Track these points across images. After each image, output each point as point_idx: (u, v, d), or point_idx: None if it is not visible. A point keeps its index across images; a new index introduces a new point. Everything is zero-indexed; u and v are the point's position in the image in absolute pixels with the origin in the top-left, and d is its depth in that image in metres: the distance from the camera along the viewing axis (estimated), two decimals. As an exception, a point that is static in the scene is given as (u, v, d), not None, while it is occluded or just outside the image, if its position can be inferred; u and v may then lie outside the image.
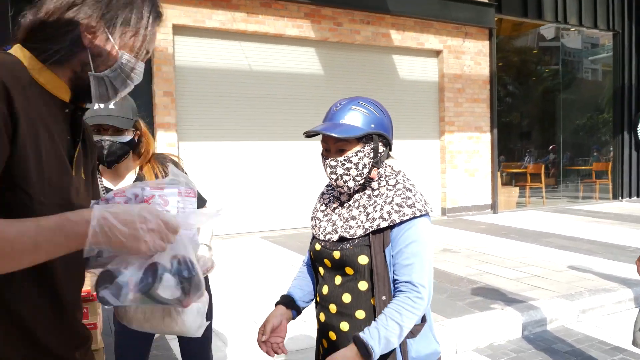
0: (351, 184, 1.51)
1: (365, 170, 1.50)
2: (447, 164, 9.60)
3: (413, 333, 1.49)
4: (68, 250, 0.89)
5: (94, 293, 2.97)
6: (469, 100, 9.79)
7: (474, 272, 5.33)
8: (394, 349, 1.43)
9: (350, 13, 8.47)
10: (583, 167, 12.89)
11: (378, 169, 1.53)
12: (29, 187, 0.92)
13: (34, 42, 0.99)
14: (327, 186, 1.74)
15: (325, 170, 1.53)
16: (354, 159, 1.48)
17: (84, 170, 1.13)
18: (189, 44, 7.50)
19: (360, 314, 1.49)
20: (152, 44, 1.10)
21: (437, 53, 9.59)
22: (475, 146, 9.90)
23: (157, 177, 2.03)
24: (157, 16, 1.11)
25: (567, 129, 12.67)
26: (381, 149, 1.52)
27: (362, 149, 1.49)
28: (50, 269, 0.98)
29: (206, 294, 1.12)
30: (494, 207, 10.03)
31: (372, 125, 1.48)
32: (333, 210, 1.61)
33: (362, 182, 1.52)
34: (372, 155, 1.50)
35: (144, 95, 7.06)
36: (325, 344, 1.59)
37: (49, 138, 0.98)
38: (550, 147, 12.65)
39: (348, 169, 1.48)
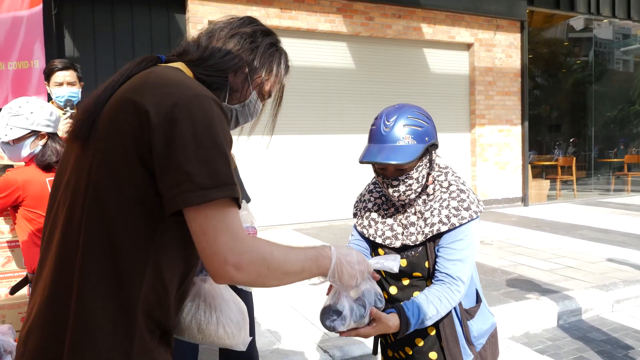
0: (412, 196, 1.56)
1: (424, 180, 1.56)
2: (478, 156, 9.63)
3: (471, 314, 1.60)
4: (312, 277, 1.14)
5: None
6: (499, 93, 9.78)
7: (507, 264, 5.43)
8: (457, 333, 1.56)
9: (381, 7, 8.56)
10: (615, 160, 12.73)
11: (431, 173, 1.60)
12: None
13: (195, 66, 1.16)
14: (375, 184, 1.77)
15: (386, 189, 1.55)
16: (415, 175, 1.52)
17: None
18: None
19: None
20: (273, 88, 1.31)
21: (468, 46, 9.60)
22: (505, 139, 9.90)
23: None
24: (287, 68, 1.32)
25: (598, 121, 12.52)
26: (434, 156, 1.58)
27: (420, 164, 1.52)
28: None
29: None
30: (524, 199, 10.03)
31: (427, 139, 1.51)
32: (390, 215, 1.65)
33: (419, 190, 1.57)
34: (428, 165, 1.56)
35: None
36: (392, 338, 1.63)
37: None
38: (571, 140, 12.51)
39: (410, 185, 1.52)
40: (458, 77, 9.59)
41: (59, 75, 3.08)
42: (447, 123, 9.47)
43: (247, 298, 2.37)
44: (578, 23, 12.40)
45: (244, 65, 1.19)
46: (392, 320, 1.39)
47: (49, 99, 3.28)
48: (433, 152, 1.57)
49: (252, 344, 2.48)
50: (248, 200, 2.52)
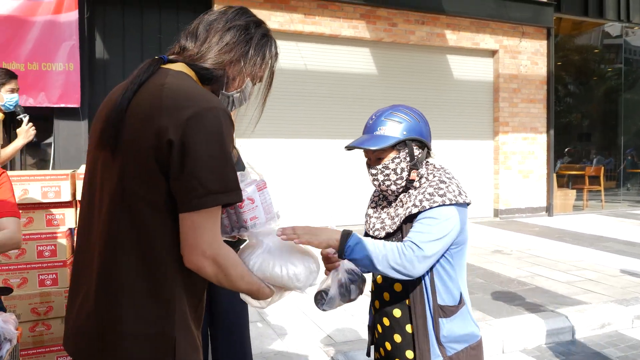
0: (393, 188, 1.67)
1: (405, 174, 1.64)
2: (501, 164, 9.50)
3: (446, 313, 1.59)
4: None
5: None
6: (524, 100, 9.63)
7: (524, 274, 5.33)
8: (429, 328, 1.57)
9: (405, 14, 8.54)
10: (646, 171, 12.36)
11: (417, 170, 1.66)
12: None
13: (195, 62, 1.27)
14: None
15: (370, 178, 1.70)
16: (392, 165, 1.64)
17: None
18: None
19: (397, 287, 1.67)
20: (265, 75, 1.42)
21: (492, 53, 9.49)
22: (530, 147, 9.73)
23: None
24: (277, 55, 1.43)
25: (629, 130, 12.19)
26: (417, 151, 1.65)
27: (397, 155, 1.63)
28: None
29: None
30: (549, 209, 9.83)
31: (405, 132, 1.62)
32: (382, 208, 1.77)
33: (403, 184, 1.66)
34: (408, 159, 1.64)
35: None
36: (380, 329, 1.75)
37: None
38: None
39: (387, 175, 1.65)
40: (482, 84, 9.48)
41: (13, 82, 3.28)
42: (470, 130, 9.37)
43: (237, 309, 2.41)
44: (611, 30, 12.11)
45: (240, 56, 1.30)
46: (336, 232, 1.51)
47: None
48: (414, 147, 1.65)
49: (243, 351, 2.49)
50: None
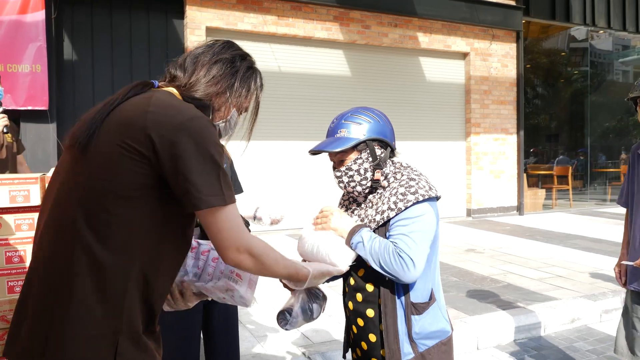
0: (359, 188, 1.68)
1: (369, 174, 1.66)
2: (473, 165, 9.66)
3: (418, 310, 1.61)
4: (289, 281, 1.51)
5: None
6: (495, 102, 9.82)
7: (497, 272, 5.44)
8: (398, 326, 1.59)
9: (378, 16, 8.61)
10: (611, 170, 12.75)
11: (381, 169, 1.67)
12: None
13: (184, 91, 1.33)
14: None
15: (335, 181, 1.72)
16: (354, 167, 1.66)
17: None
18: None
19: (370, 287, 1.68)
20: (251, 105, 1.49)
21: (464, 55, 9.65)
22: (501, 148, 9.93)
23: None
24: (262, 86, 1.50)
25: (596, 131, 12.55)
26: (379, 151, 1.67)
27: (359, 156, 1.66)
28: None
29: None
30: (519, 208, 10.04)
31: (365, 133, 1.65)
32: (352, 212, 1.78)
33: (368, 184, 1.68)
34: (370, 159, 1.66)
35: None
36: (355, 330, 1.75)
37: None
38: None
39: (351, 176, 1.67)
40: (454, 86, 9.64)
41: None
42: (442, 131, 9.51)
43: (230, 310, 2.43)
44: (577, 34, 12.46)
45: (226, 88, 1.37)
46: (350, 224, 1.64)
47: None
48: (376, 147, 1.67)
49: (235, 350, 2.50)
50: (240, 191, 2.65)
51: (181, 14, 7.47)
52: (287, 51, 8.22)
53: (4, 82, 6.08)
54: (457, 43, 9.39)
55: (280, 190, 8.12)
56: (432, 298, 1.65)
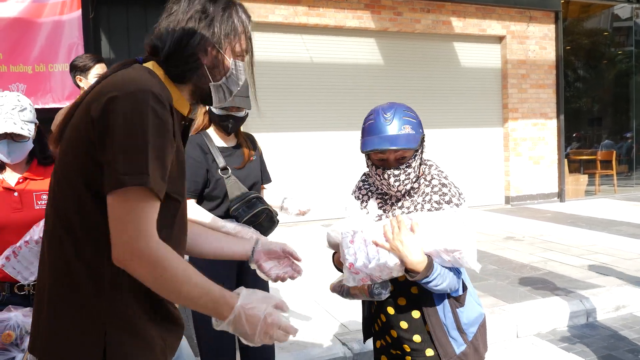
0: (409, 186, 1.65)
1: (419, 171, 1.66)
2: (511, 151, 9.43)
3: (460, 302, 1.64)
4: (207, 312, 1.14)
5: None
6: (533, 86, 9.54)
7: (537, 260, 5.31)
8: (444, 319, 1.60)
9: (410, 2, 8.48)
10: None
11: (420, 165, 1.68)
12: (175, 193, 1.17)
13: (165, 64, 1.21)
14: (364, 181, 1.86)
15: (387, 180, 1.61)
16: (414, 164, 1.62)
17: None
18: (253, 38, 7.76)
19: (414, 290, 1.66)
20: (251, 43, 1.30)
21: (499, 39, 9.40)
22: (540, 133, 9.65)
23: (250, 148, 2.51)
24: (249, 18, 1.30)
25: (642, 113, 12.04)
26: (424, 148, 1.67)
27: (416, 153, 1.62)
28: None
29: None
30: (560, 195, 9.76)
31: (420, 130, 1.63)
32: (391, 206, 1.72)
33: (414, 181, 1.65)
34: (421, 156, 1.65)
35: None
36: (395, 334, 1.72)
37: (178, 148, 1.22)
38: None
39: (409, 174, 1.61)
40: (490, 71, 9.41)
41: (100, 67, 3.18)
42: (478, 118, 9.31)
43: (264, 287, 2.45)
44: (620, 12, 11.93)
45: (208, 41, 1.21)
46: (422, 259, 1.48)
47: None
48: (424, 144, 1.65)
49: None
50: (269, 181, 2.67)
51: (213, 9, 7.56)
52: (319, 41, 8.20)
53: (45, 82, 6.31)
54: (493, 26, 9.15)
55: (311, 181, 8.14)
56: (465, 287, 1.67)
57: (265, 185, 2.67)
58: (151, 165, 1.03)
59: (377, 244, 1.48)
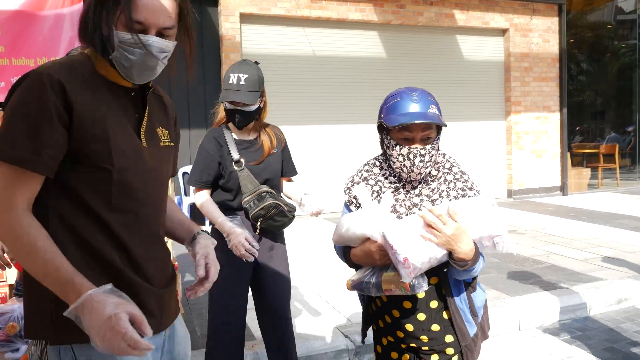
0: (429, 170, 1.62)
1: (436, 156, 1.65)
2: (514, 144, 9.41)
3: (473, 287, 1.68)
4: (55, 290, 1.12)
5: (175, 263, 3.25)
6: (536, 79, 9.51)
7: (539, 253, 5.31)
8: (461, 305, 1.64)
9: (412, -6, 8.45)
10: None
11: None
12: (103, 162, 1.19)
13: (94, 48, 1.22)
14: (369, 171, 1.74)
15: (411, 160, 1.56)
16: (437, 146, 1.61)
17: (161, 138, 1.37)
18: (255, 31, 7.78)
19: (433, 280, 1.64)
20: (141, 14, 1.17)
21: (503, 32, 9.36)
22: (543, 126, 9.62)
23: (272, 142, 2.51)
24: None
25: (645, 107, 11.99)
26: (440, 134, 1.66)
27: (438, 135, 1.62)
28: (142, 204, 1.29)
29: None
30: (563, 188, 9.74)
31: (440, 116, 1.62)
32: (406, 192, 1.66)
33: (431, 167, 1.65)
34: (439, 139, 1.64)
35: (213, 83, 7.44)
36: (411, 328, 1.67)
37: (117, 119, 1.23)
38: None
39: (432, 155, 1.58)
40: (493, 64, 9.37)
41: None
42: (481, 111, 9.29)
43: (285, 290, 2.56)
44: (624, 5, 11.88)
45: (100, 13, 1.16)
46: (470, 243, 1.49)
47: None
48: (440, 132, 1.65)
49: (290, 328, 2.59)
50: (294, 173, 2.72)
51: (215, 1, 7.53)
52: (321, 34, 8.18)
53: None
54: (496, 19, 9.11)
55: (313, 174, 8.14)
56: None
57: (291, 178, 2.73)
58: (18, 141, 1.10)
59: (425, 238, 1.46)
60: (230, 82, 2.34)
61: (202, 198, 2.41)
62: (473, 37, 9.18)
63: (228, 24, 7.46)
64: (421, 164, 1.56)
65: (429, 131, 1.57)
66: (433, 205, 1.59)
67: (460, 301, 1.64)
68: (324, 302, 4.04)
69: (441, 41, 8.95)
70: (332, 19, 8.09)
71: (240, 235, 2.22)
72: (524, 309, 3.80)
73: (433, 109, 1.57)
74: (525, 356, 3.30)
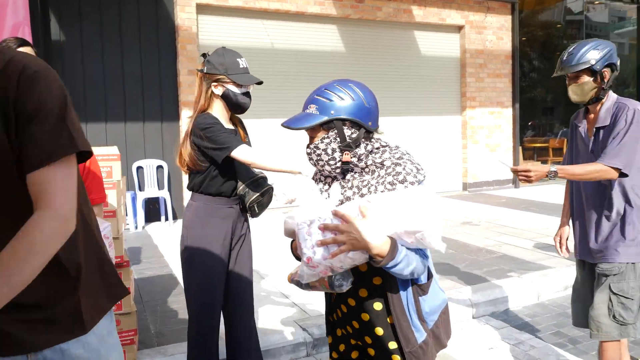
0: (328, 168, 1.58)
1: (337, 155, 1.54)
2: (469, 139, 9.65)
3: (424, 290, 1.58)
4: None
5: (127, 259, 3.18)
6: (490, 75, 9.77)
7: (492, 243, 5.47)
8: (407, 309, 1.55)
9: (371, -11, 8.50)
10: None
11: (351, 151, 1.55)
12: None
13: None
14: None
15: (311, 158, 1.62)
16: (321, 146, 1.55)
17: None
18: (213, 22, 7.66)
19: (377, 280, 1.57)
20: None
21: (459, 28, 9.56)
22: (496, 121, 9.91)
23: (241, 129, 2.57)
24: None
25: (592, 103, 12.52)
26: (348, 132, 1.53)
27: (327, 135, 1.54)
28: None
29: None
30: (515, 181, 10.08)
31: (332, 112, 1.52)
32: (326, 189, 1.65)
33: (337, 165, 1.56)
34: (338, 140, 1.53)
35: (168, 74, 7.28)
36: (357, 325, 1.65)
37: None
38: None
39: (319, 155, 1.56)
40: (449, 60, 9.57)
41: (27, 50, 3.04)
42: (438, 105, 9.47)
43: (248, 286, 2.58)
44: (572, 5, 12.33)
45: None
46: (386, 241, 1.39)
47: None
48: (345, 127, 1.54)
49: (254, 322, 2.60)
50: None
51: (171, -9, 7.36)
52: (280, 27, 8.13)
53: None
54: (452, 16, 9.30)
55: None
56: (430, 275, 1.62)
57: None
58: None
59: (325, 243, 1.39)
60: (241, 66, 2.38)
61: (250, 149, 2.33)
62: (430, 33, 9.34)
63: (184, 14, 7.31)
64: (310, 162, 1.62)
65: (309, 131, 1.58)
66: (362, 198, 1.53)
67: (406, 305, 1.55)
68: (281, 295, 4.04)
69: (399, 36, 9.06)
70: (290, 12, 8.05)
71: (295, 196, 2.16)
72: (478, 298, 3.91)
73: (311, 109, 1.55)
74: (478, 342, 3.40)
